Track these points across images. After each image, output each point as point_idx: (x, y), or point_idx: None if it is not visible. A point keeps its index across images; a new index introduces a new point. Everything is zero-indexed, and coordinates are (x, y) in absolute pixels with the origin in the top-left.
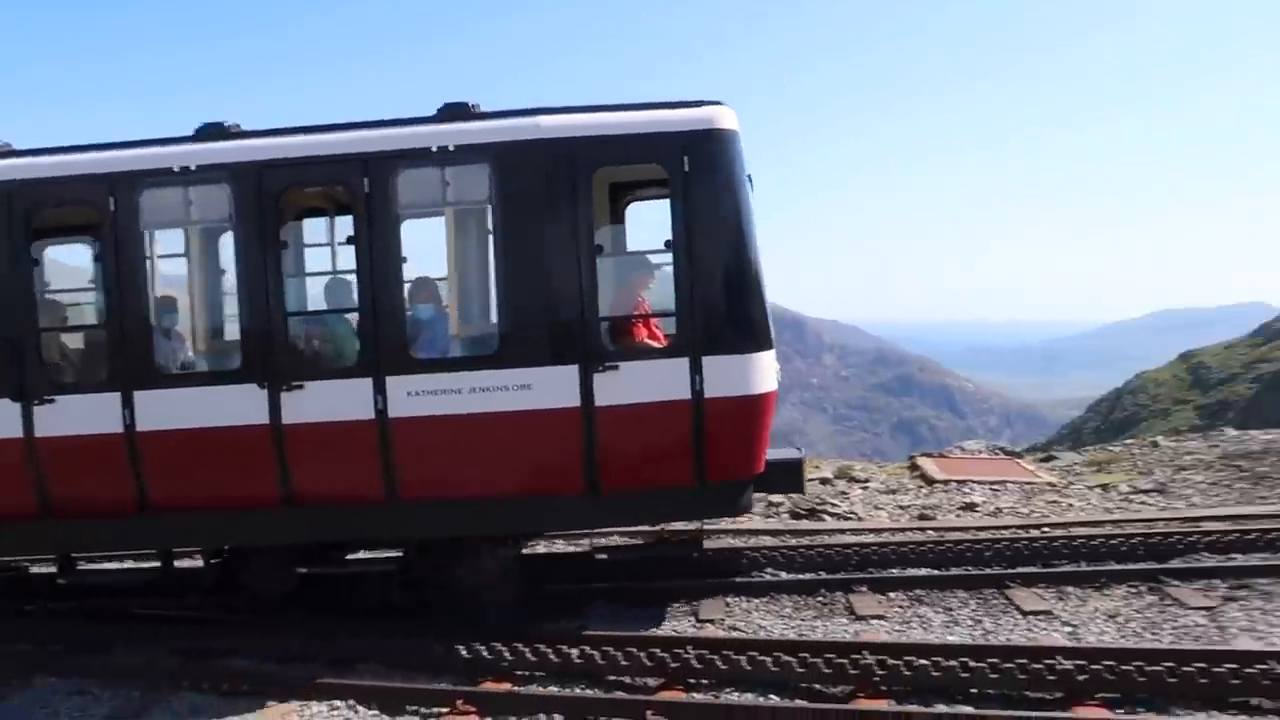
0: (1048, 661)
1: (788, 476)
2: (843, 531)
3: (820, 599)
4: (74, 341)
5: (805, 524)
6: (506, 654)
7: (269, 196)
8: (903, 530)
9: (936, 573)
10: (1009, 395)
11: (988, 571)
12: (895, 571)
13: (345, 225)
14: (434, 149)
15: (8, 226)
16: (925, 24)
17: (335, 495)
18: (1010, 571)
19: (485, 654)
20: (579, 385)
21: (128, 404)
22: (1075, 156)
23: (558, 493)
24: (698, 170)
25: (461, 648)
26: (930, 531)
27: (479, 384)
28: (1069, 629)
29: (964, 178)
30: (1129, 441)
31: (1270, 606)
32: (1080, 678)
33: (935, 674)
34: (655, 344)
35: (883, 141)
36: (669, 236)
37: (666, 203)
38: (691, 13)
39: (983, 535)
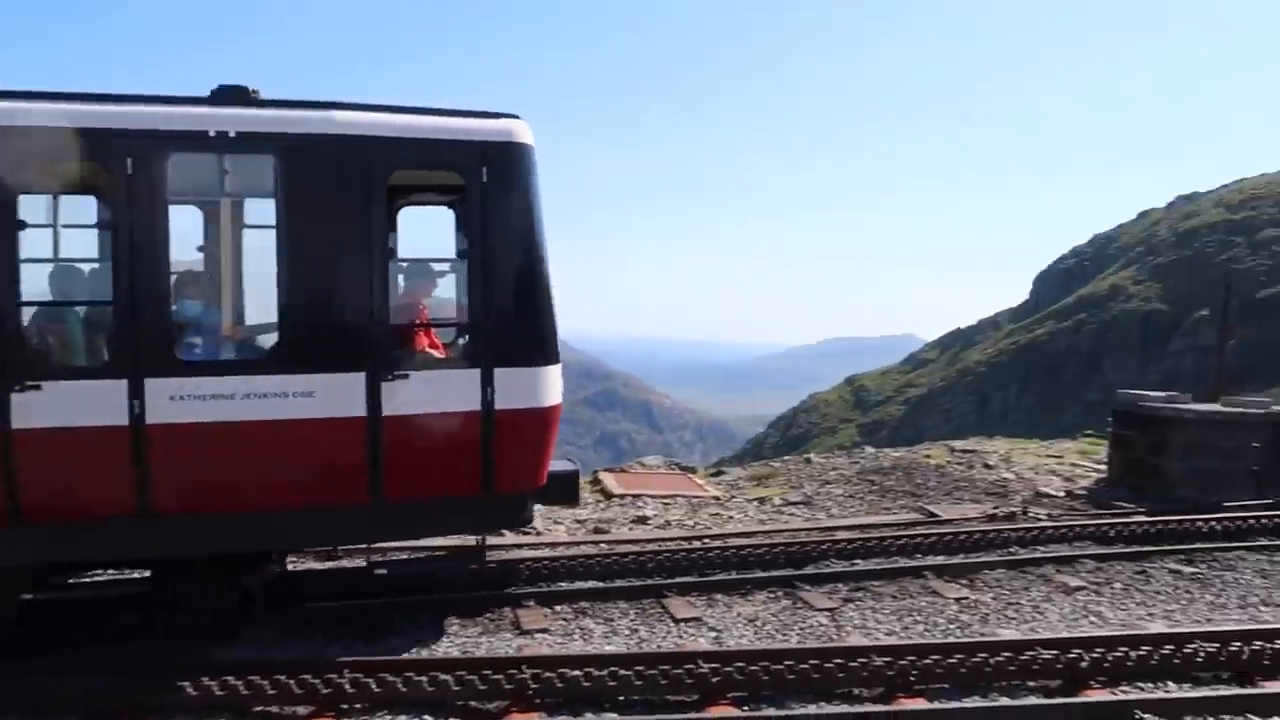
0: (688, 666)
1: (565, 488)
2: (520, 546)
3: (489, 615)
4: None
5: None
6: (136, 690)
7: (2, 167)
8: (577, 544)
9: (602, 585)
10: (703, 411)
11: (649, 582)
12: (564, 585)
13: (87, 206)
14: (212, 134)
15: None
16: (619, 40)
17: (77, 510)
18: (669, 581)
19: (109, 691)
20: (366, 394)
21: None
22: (773, 198)
23: (339, 505)
24: (496, 181)
25: (82, 685)
26: (602, 545)
27: (255, 390)
28: (714, 634)
29: (668, 199)
30: (787, 458)
31: (879, 605)
32: (715, 680)
33: (586, 684)
34: (437, 353)
35: (595, 159)
36: (463, 245)
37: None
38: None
39: (649, 547)
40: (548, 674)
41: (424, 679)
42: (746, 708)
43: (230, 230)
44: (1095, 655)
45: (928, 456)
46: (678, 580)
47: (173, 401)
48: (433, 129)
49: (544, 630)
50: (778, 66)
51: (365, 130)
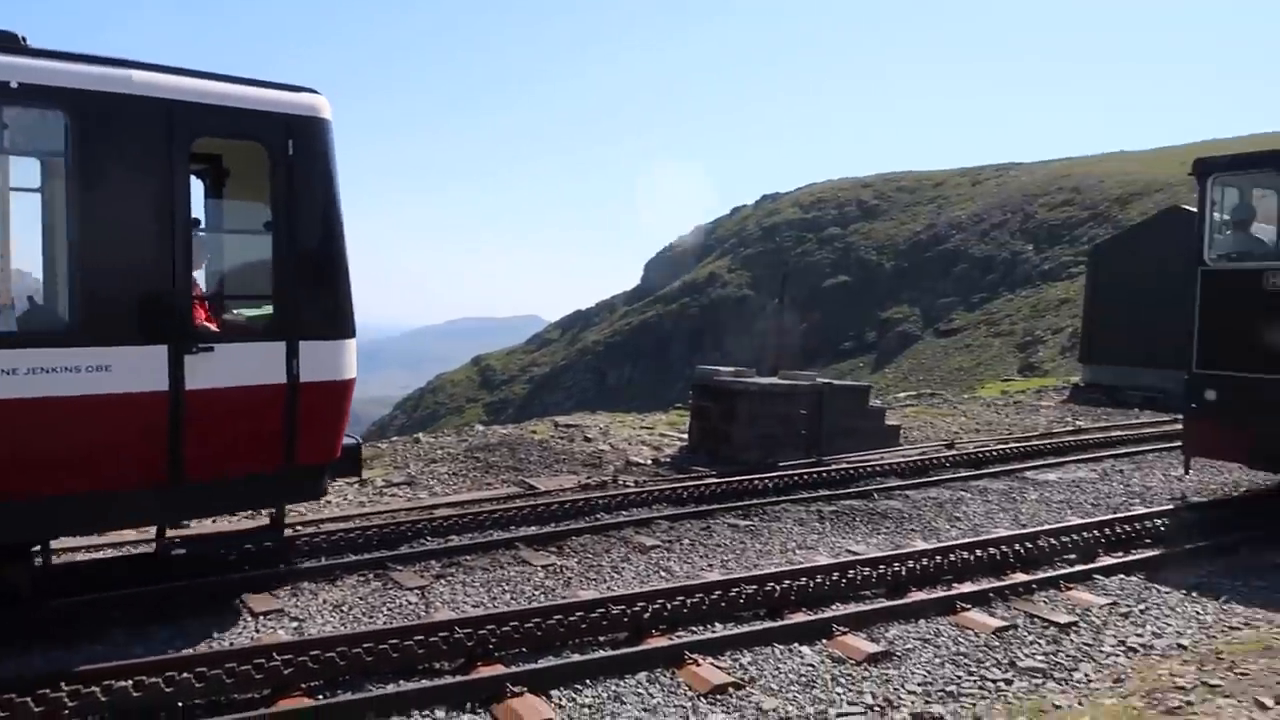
0: (258, 660)
1: (352, 461)
2: (80, 549)
3: (44, 627)
4: None
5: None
6: None
7: None
8: (150, 541)
9: (174, 585)
10: None
11: (227, 577)
12: (130, 590)
13: None
14: None
15: None
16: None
17: None
18: (250, 574)
19: None
20: (168, 367)
21: None
22: (391, 170)
23: (137, 485)
24: (301, 155)
25: None
26: (178, 540)
27: (42, 364)
28: (295, 624)
29: None
30: (395, 439)
31: (469, 579)
32: (287, 671)
33: (137, 694)
34: (212, 328)
35: None
36: (215, 216)
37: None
38: None
39: (230, 542)
40: (89, 688)
41: None
42: (322, 696)
43: (9, 189)
44: (657, 606)
45: (533, 432)
46: (260, 572)
47: None
48: (241, 98)
49: (96, 642)
50: (415, 46)
51: (170, 94)
